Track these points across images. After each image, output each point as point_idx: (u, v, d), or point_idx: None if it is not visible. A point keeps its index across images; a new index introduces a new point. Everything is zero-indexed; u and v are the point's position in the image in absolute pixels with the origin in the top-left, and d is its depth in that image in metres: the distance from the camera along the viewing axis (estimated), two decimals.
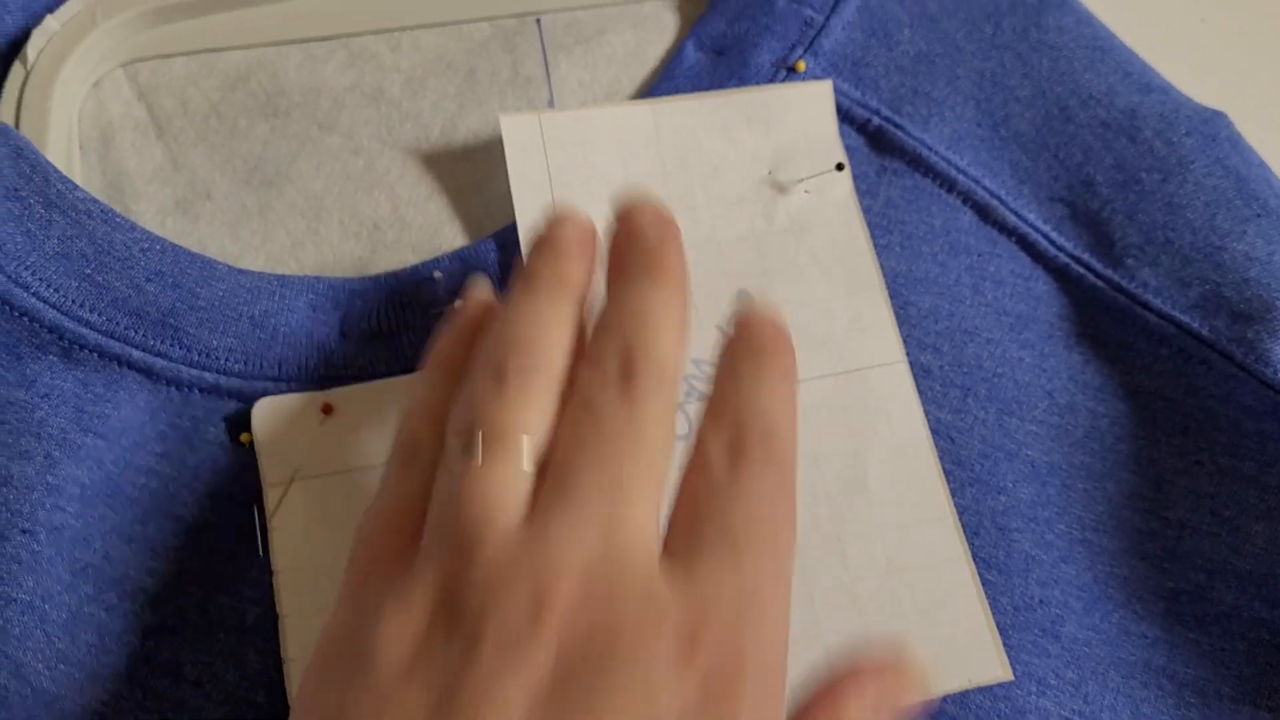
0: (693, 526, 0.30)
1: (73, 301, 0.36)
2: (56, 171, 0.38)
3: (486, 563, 0.27)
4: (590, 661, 0.26)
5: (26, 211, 0.37)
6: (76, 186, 0.38)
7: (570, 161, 0.40)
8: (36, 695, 0.32)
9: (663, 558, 0.29)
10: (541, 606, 0.27)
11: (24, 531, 0.35)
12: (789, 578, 0.30)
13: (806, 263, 0.40)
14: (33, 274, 0.36)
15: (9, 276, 0.36)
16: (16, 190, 0.37)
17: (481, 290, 0.35)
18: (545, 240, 0.33)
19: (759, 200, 0.41)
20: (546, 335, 0.31)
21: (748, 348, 0.33)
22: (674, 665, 0.27)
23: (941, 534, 0.38)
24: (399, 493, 0.30)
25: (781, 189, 0.41)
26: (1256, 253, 0.40)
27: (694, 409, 0.39)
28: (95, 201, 0.38)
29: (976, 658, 0.37)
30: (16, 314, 0.36)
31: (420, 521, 0.29)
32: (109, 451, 0.36)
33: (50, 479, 0.35)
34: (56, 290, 0.36)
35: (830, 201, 0.41)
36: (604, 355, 0.31)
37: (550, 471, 0.29)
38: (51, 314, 0.36)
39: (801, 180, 0.41)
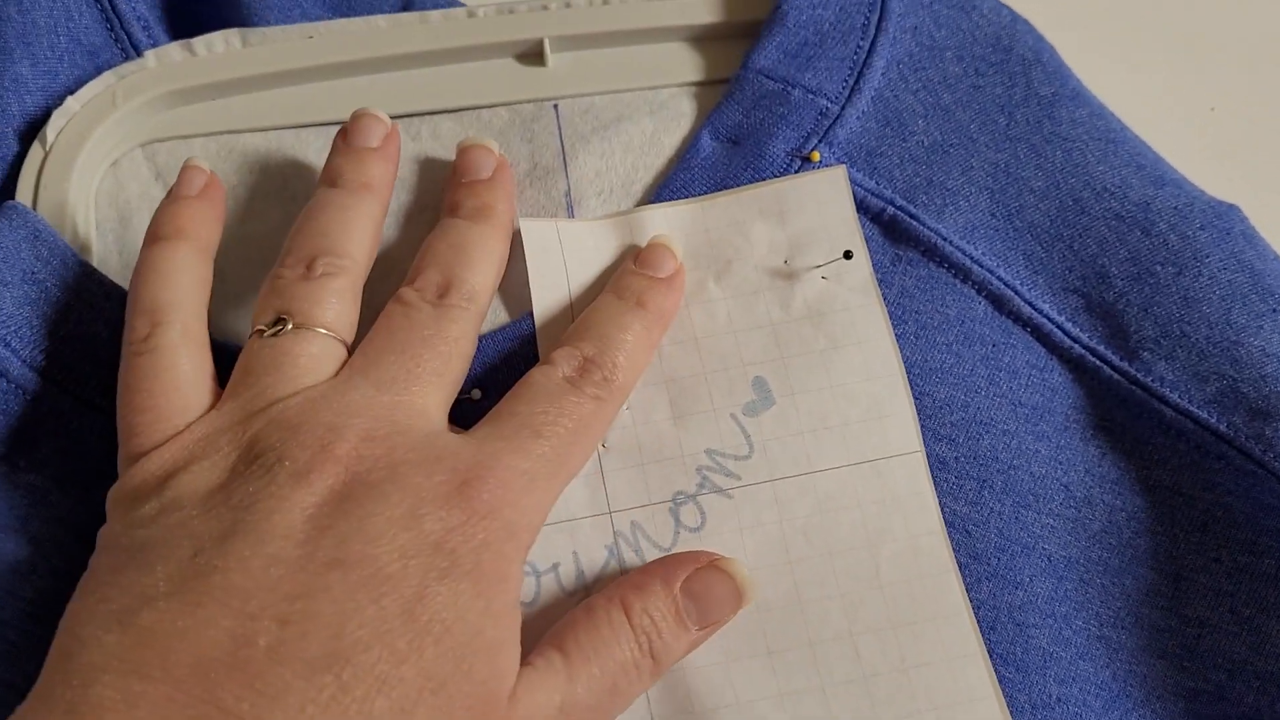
0: (497, 414, 0.35)
1: (92, 389, 0.36)
2: (73, 255, 0.38)
3: (292, 412, 0.33)
4: (369, 489, 0.31)
5: (43, 296, 0.37)
6: (94, 270, 0.38)
7: (586, 263, 0.41)
8: None
9: (457, 430, 0.35)
10: (331, 444, 0.32)
11: None
12: (567, 476, 0.36)
13: (824, 348, 0.40)
14: (49, 359, 0.36)
15: (24, 361, 0.36)
16: (34, 274, 0.37)
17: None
18: (349, 139, 0.39)
19: (775, 290, 0.41)
20: (349, 233, 0.37)
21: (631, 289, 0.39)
22: (443, 500, 0.31)
23: (956, 630, 0.38)
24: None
25: (798, 277, 0.41)
26: (1273, 348, 0.39)
27: (707, 501, 0.38)
28: (114, 285, 0.38)
29: None
30: (28, 399, 0.36)
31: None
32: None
33: None
34: (70, 373, 0.36)
35: (849, 286, 0.41)
36: (425, 277, 0.37)
37: (358, 352, 0.35)
38: (69, 401, 0.36)
39: (818, 266, 0.41)
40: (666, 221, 0.42)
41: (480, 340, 0.40)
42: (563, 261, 0.41)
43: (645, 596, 0.34)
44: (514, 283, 0.40)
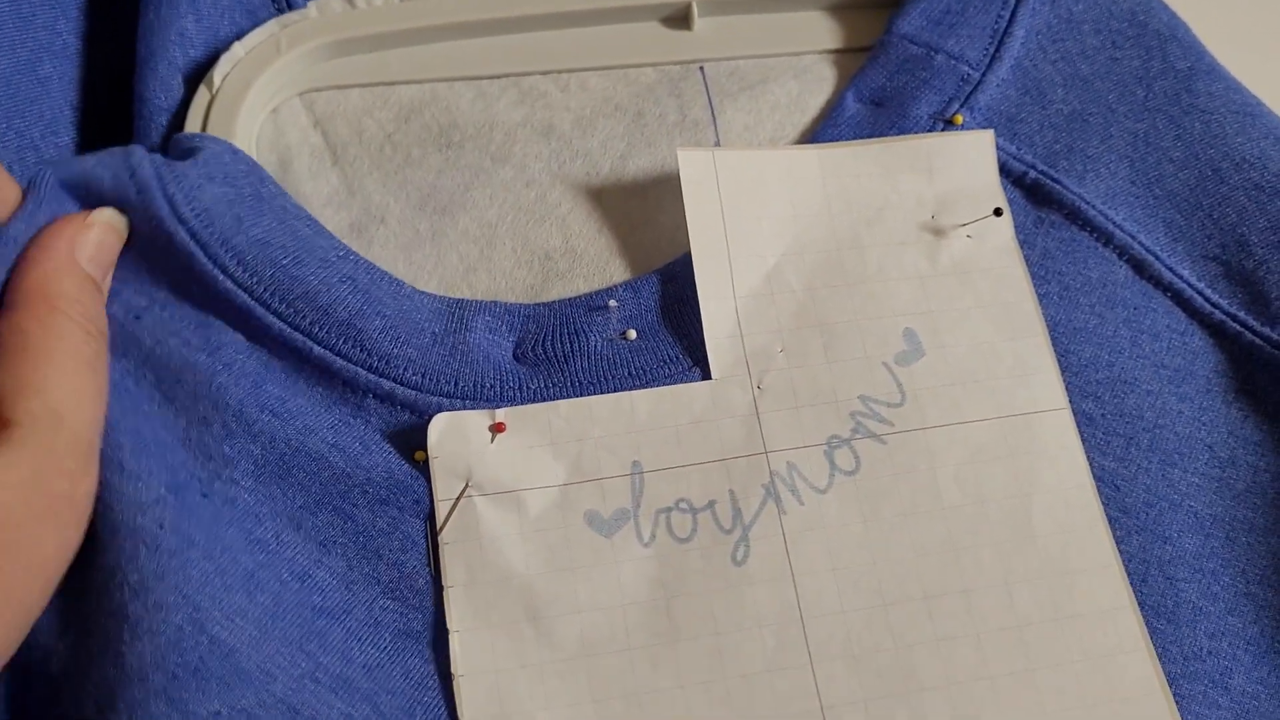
0: None
1: (265, 289, 0.37)
2: (269, 175, 0.39)
3: None
4: None
5: (239, 197, 0.38)
6: (285, 192, 0.39)
7: (741, 197, 0.41)
8: (213, 644, 0.32)
9: None
10: None
11: (202, 495, 0.35)
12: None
13: (970, 305, 0.41)
14: (232, 256, 0.37)
15: (210, 256, 0.36)
16: (233, 179, 0.38)
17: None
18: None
19: (922, 243, 0.42)
20: None
21: None
22: None
23: (1108, 582, 0.38)
24: None
25: (944, 233, 0.42)
26: None
27: (861, 446, 0.39)
28: (300, 206, 0.39)
29: (1147, 712, 0.37)
30: (211, 293, 0.37)
31: None
32: (283, 430, 0.37)
33: (226, 449, 0.36)
34: (252, 275, 0.37)
35: (992, 247, 0.42)
36: None
37: None
38: (243, 298, 0.37)
39: (964, 225, 0.42)
40: (820, 161, 0.42)
41: (636, 281, 0.40)
42: (718, 192, 0.41)
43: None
44: (671, 217, 0.41)
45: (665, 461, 0.38)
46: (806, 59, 0.46)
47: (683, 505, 0.38)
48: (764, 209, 0.41)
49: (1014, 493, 0.39)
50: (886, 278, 0.41)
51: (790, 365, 0.40)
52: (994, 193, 0.43)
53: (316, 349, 0.37)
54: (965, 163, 0.43)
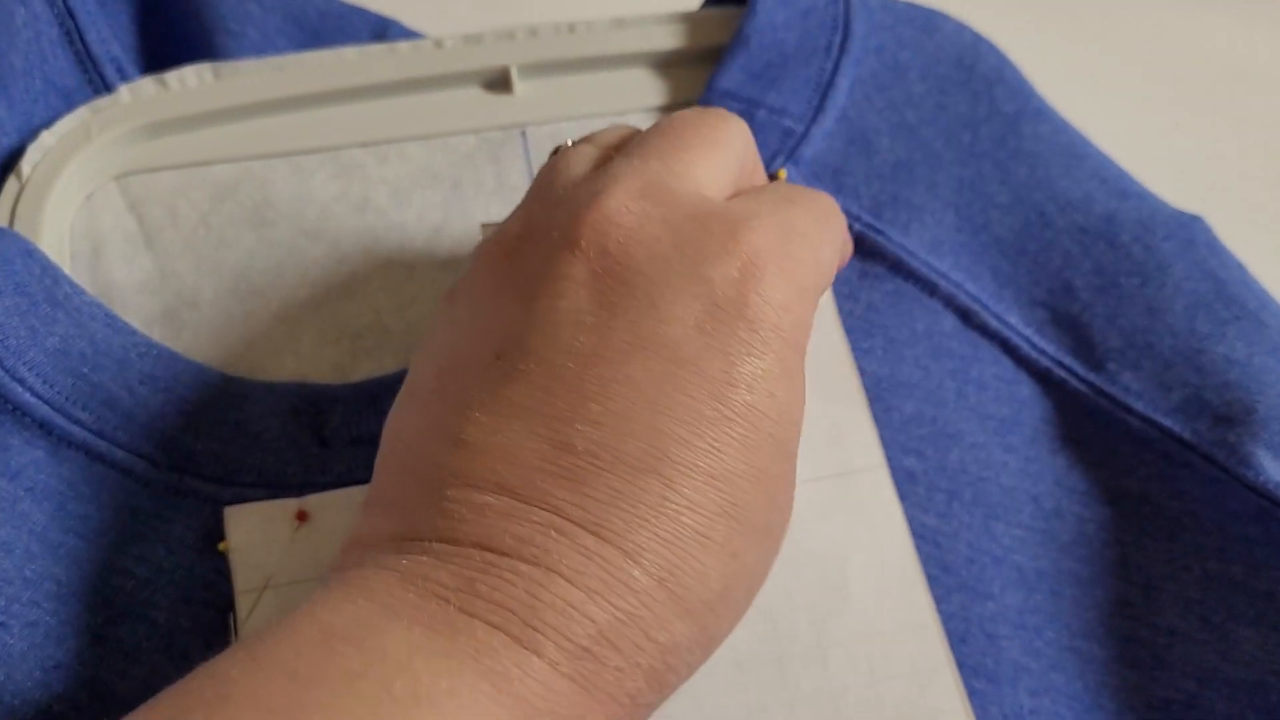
0: (751, 190, 0.34)
1: (66, 399, 0.37)
2: (64, 274, 0.39)
3: (558, 188, 0.32)
4: (646, 249, 0.29)
5: (32, 308, 0.37)
6: (82, 290, 0.39)
7: None
8: None
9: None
10: (596, 203, 0.30)
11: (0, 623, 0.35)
12: (829, 269, 0.33)
13: None
14: (30, 369, 0.37)
15: (6, 370, 0.36)
16: (24, 287, 0.38)
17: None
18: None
19: None
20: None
21: None
22: (720, 252, 0.29)
23: (925, 642, 0.38)
24: None
25: None
26: (1236, 355, 0.40)
27: None
28: (98, 305, 0.39)
29: None
30: (9, 407, 0.36)
31: None
32: (88, 552, 0.36)
33: (28, 573, 0.35)
34: (51, 386, 0.37)
35: None
36: None
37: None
38: (44, 409, 0.36)
39: None
40: None
41: None
42: None
43: None
44: None
45: None
46: (631, 118, 0.45)
47: None
48: None
49: (829, 555, 0.38)
50: None
51: None
52: None
53: (119, 453, 0.37)
54: None
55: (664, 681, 0.28)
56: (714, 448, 0.28)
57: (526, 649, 0.25)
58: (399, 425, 0.31)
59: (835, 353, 0.41)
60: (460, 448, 0.28)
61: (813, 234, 0.32)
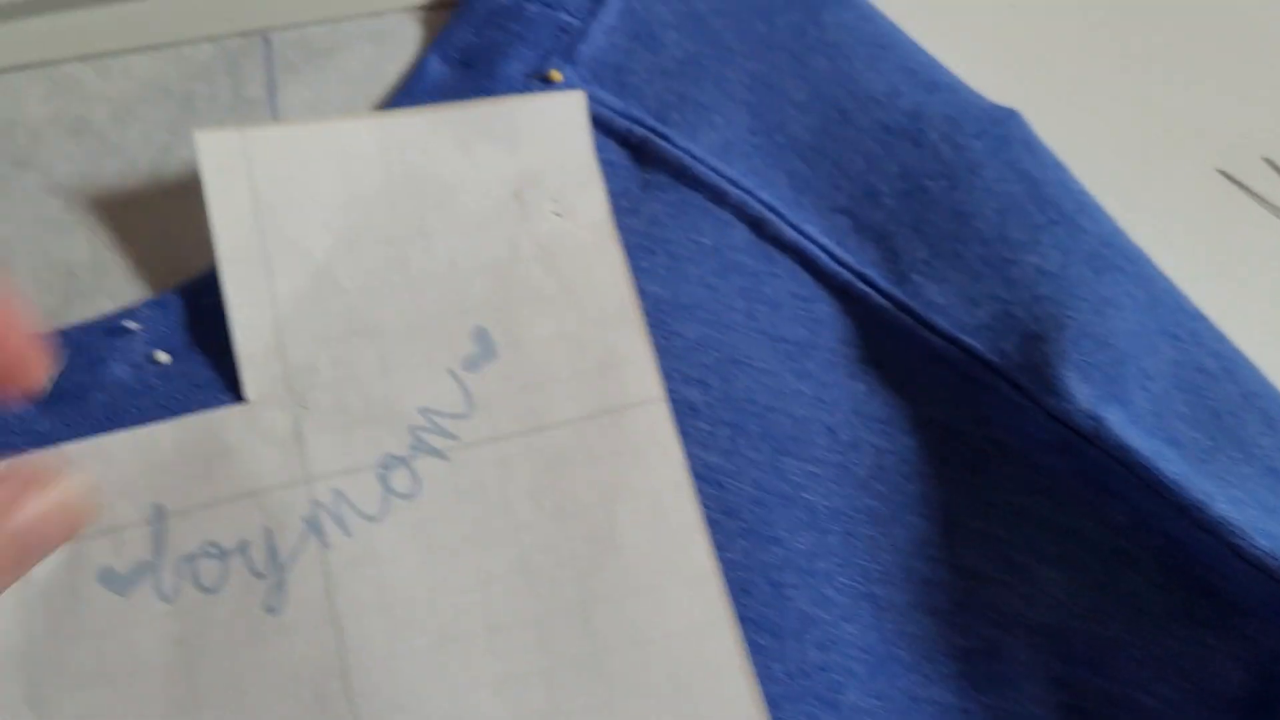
0: None
1: None
2: None
3: None
4: None
5: None
6: None
7: (281, 184, 0.36)
8: None
9: None
10: None
11: None
12: None
13: (555, 293, 0.36)
14: None
15: None
16: None
17: None
18: None
19: (502, 225, 0.37)
20: None
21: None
22: None
23: (702, 595, 0.34)
24: None
25: (528, 213, 0.37)
26: (1049, 265, 0.35)
27: (421, 464, 0.34)
28: None
29: None
30: None
31: None
32: None
33: None
34: None
35: (584, 223, 0.37)
36: None
37: None
38: None
39: (551, 201, 0.37)
40: (380, 135, 0.37)
41: (165, 297, 0.36)
42: (250, 180, 0.36)
43: None
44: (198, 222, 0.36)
45: (192, 501, 0.34)
46: (388, 20, 0.40)
47: (211, 550, 0.33)
48: (310, 196, 0.36)
49: (597, 502, 0.35)
50: (457, 271, 0.36)
51: (340, 378, 0.35)
52: (586, 162, 0.38)
53: None
54: (554, 128, 0.38)
55: None
56: None
57: None
58: None
59: (610, 273, 0.37)
60: None
61: None
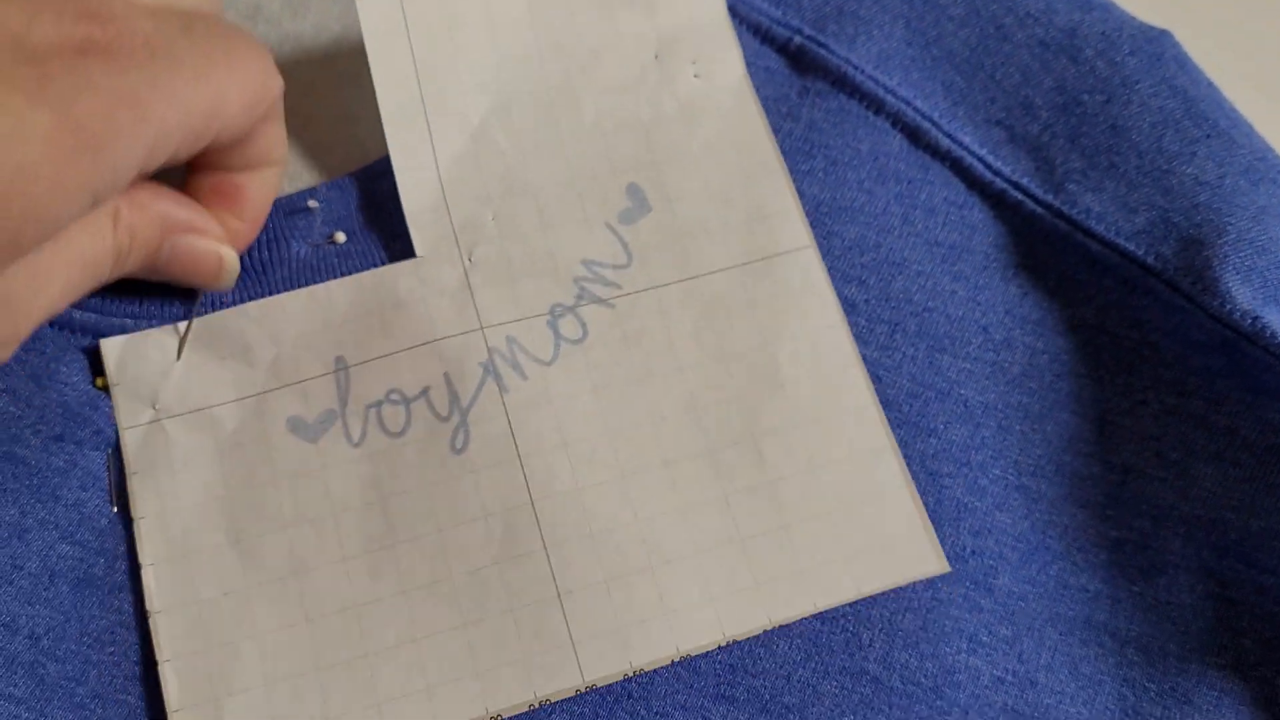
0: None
1: None
2: None
3: None
4: None
5: None
6: None
7: (437, 49, 0.37)
8: None
9: None
10: None
11: None
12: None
13: (699, 151, 0.38)
14: None
15: None
16: None
17: None
18: None
19: (645, 86, 0.38)
20: None
21: None
22: None
23: (864, 424, 0.36)
24: None
25: (669, 74, 0.38)
26: (1206, 176, 0.36)
27: (587, 312, 0.36)
28: None
29: (910, 552, 0.35)
30: None
31: None
32: None
33: None
34: None
35: (722, 86, 0.38)
36: None
37: None
38: None
39: (691, 63, 0.38)
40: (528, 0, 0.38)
41: (342, 179, 0.37)
42: (409, 45, 0.37)
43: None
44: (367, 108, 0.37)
45: (371, 352, 0.35)
46: None
47: (394, 396, 0.35)
48: (465, 59, 0.37)
49: (758, 343, 0.36)
50: (605, 129, 0.38)
51: (503, 234, 0.36)
52: (722, 26, 0.39)
53: None
54: None
55: None
56: None
57: None
58: None
59: (751, 132, 0.38)
60: None
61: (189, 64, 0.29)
